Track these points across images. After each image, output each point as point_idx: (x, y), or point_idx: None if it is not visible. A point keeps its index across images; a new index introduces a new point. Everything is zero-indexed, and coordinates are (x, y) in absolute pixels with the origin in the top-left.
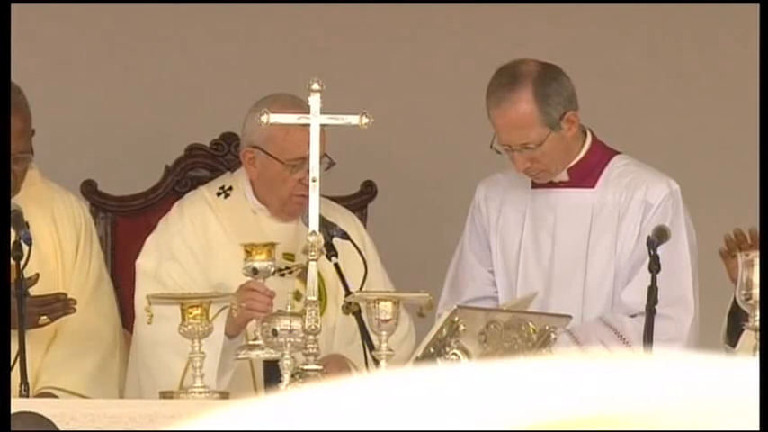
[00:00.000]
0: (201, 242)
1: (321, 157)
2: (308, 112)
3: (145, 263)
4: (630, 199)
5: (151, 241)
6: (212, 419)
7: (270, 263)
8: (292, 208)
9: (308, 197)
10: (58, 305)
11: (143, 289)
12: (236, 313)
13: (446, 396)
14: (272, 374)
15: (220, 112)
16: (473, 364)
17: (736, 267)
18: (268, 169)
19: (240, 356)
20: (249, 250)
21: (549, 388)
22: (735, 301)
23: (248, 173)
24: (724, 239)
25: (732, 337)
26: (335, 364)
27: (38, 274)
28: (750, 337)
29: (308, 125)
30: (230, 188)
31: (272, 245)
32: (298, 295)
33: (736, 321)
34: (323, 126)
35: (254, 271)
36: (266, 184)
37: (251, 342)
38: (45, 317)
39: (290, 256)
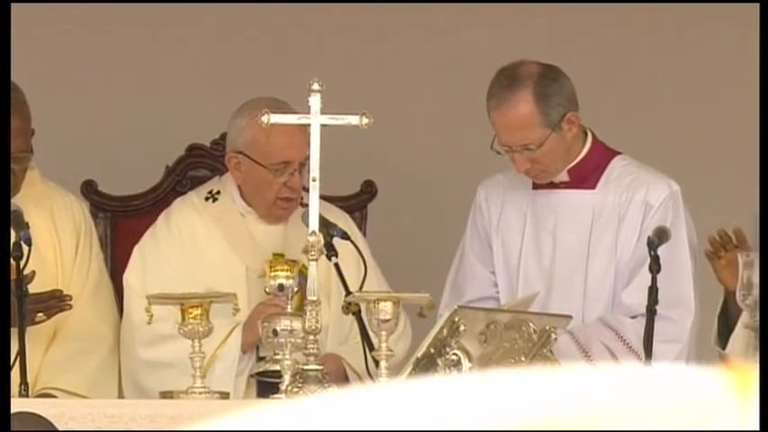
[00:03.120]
0: (189, 249)
1: (307, 160)
2: (293, 113)
3: (132, 279)
4: (631, 200)
5: (137, 254)
6: (230, 420)
7: (293, 280)
8: (278, 211)
9: (292, 200)
10: (54, 302)
11: (135, 305)
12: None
13: (443, 400)
14: (265, 392)
15: (220, 112)
16: (464, 376)
17: (722, 269)
18: (253, 174)
19: (259, 370)
20: (272, 265)
21: (536, 391)
22: (724, 303)
23: (234, 178)
24: (708, 241)
25: (723, 339)
26: (330, 363)
27: (34, 272)
28: (740, 339)
29: (308, 125)
30: (218, 192)
31: (293, 261)
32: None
33: (726, 323)
34: (322, 126)
35: (281, 288)
36: (252, 189)
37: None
38: (41, 314)
39: (279, 257)
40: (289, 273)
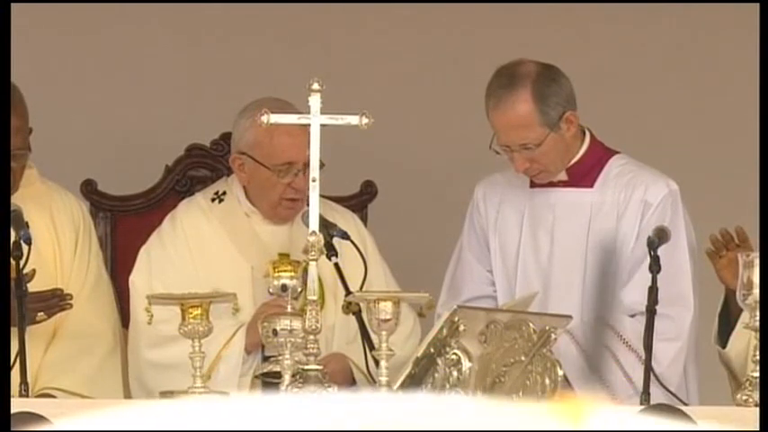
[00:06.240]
0: (195, 250)
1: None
2: (297, 113)
3: (138, 281)
4: (629, 198)
5: (144, 256)
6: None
7: (297, 280)
8: (283, 212)
9: (297, 201)
10: (55, 301)
11: (141, 306)
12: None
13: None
14: (270, 393)
15: (220, 112)
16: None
17: (723, 268)
18: (257, 175)
19: (264, 371)
20: (276, 266)
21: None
22: (725, 302)
23: (239, 179)
24: (710, 240)
25: (723, 338)
26: (336, 363)
27: (34, 270)
28: (740, 338)
29: (308, 125)
30: (224, 193)
31: (296, 262)
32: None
33: (726, 322)
34: (322, 126)
35: (284, 288)
36: (257, 189)
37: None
38: (42, 313)
39: (285, 257)
40: (292, 273)
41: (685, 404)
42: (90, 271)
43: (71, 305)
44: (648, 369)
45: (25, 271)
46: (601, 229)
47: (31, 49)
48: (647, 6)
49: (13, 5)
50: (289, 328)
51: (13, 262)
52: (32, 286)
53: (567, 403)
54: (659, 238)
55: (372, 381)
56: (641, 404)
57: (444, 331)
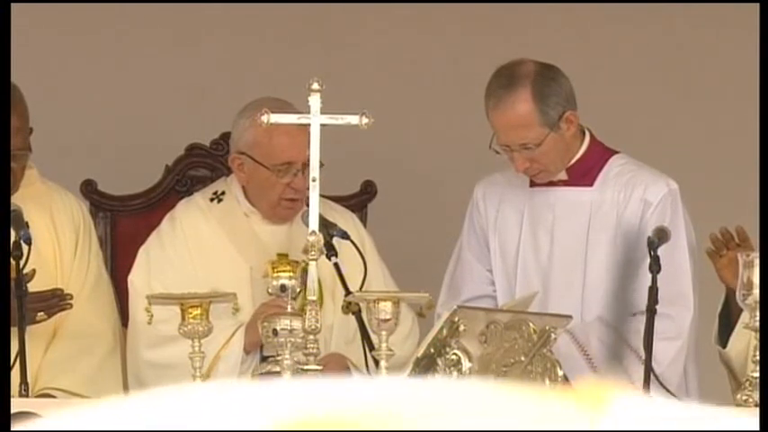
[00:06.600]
0: (194, 250)
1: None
2: (297, 113)
3: (137, 281)
4: (629, 197)
5: (143, 256)
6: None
7: (296, 281)
8: (282, 212)
9: (297, 201)
10: (55, 300)
11: (140, 306)
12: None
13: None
14: None
15: (220, 112)
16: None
17: (723, 267)
18: (256, 175)
19: (263, 371)
20: (275, 266)
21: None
22: (725, 302)
23: (238, 178)
24: (710, 239)
25: (723, 338)
26: (335, 364)
27: (34, 270)
28: (740, 338)
29: (308, 125)
30: (223, 193)
31: (295, 262)
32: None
33: (726, 322)
34: (322, 126)
35: (283, 288)
36: (256, 189)
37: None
38: (42, 313)
39: (283, 257)
40: (291, 273)
41: None
42: (90, 271)
43: (71, 305)
44: (648, 369)
45: (25, 271)
46: (601, 227)
47: (31, 49)
48: (647, 6)
49: (13, 5)
50: (289, 327)
51: (13, 262)
52: (32, 286)
53: (588, 389)
54: (659, 238)
55: None
56: None
57: (444, 331)
